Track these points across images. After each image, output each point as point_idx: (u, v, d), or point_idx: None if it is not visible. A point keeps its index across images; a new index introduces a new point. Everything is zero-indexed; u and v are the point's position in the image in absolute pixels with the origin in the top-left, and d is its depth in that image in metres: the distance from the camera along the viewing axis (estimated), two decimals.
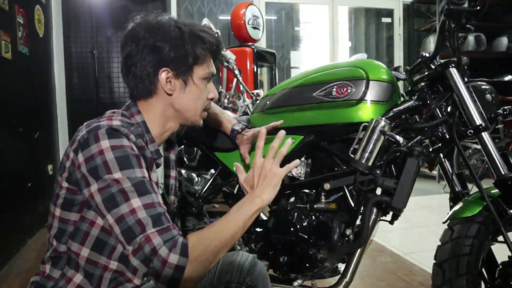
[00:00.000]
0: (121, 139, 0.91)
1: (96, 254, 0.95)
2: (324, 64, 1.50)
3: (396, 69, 1.49)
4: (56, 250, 0.97)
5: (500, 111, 1.30)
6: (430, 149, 1.34)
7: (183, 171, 1.81)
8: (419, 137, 1.32)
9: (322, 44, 5.39)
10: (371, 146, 1.23)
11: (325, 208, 1.39)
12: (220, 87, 3.64)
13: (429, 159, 1.35)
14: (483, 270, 1.28)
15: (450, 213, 1.29)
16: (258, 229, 1.50)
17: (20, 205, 2.72)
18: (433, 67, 1.34)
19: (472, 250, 1.21)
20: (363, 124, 1.26)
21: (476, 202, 1.25)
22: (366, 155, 1.24)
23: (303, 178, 1.47)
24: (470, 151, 3.94)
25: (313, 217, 1.40)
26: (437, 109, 1.33)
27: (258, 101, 1.63)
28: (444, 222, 1.31)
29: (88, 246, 0.94)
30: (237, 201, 1.59)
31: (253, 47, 4.28)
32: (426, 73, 1.37)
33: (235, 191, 1.64)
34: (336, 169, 1.41)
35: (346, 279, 1.33)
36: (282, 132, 1.10)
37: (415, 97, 1.40)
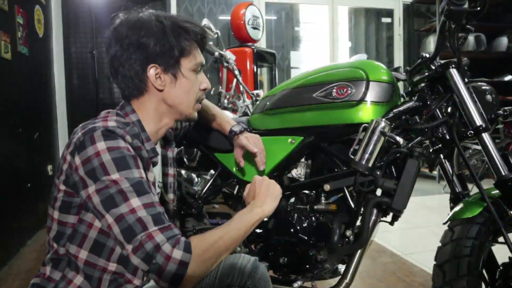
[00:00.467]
0: (117, 140, 0.91)
1: (94, 256, 0.95)
2: (324, 64, 1.50)
3: (396, 69, 1.49)
4: (56, 253, 0.97)
5: (501, 111, 1.30)
6: (430, 150, 1.33)
7: (183, 172, 1.81)
8: (419, 138, 1.32)
9: (322, 44, 5.39)
10: (371, 147, 1.23)
11: (325, 209, 1.39)
12: (220, 87, 3.63)
13: (429, 160, 1.35)
14: (484, 271, 1.27)
15: (451, 214, 1.29)
16: (258, 230, 1.50)
17: (20, 206, 2.71)
18: (433, 67, 1.34)
19: (473, 251, 1.21)
20: (363, 125, 1.26)
21: (476, 203, 1.25)
22: (366, 156, 1.24)
23: (303, 179, 1.47)
24: (470, 151, 3.93)
25: (313, 218, 1.40)
26: (437, 110, 1.33)
27: (258, 102, 1.63)
28: (444, 223, 1.31)
29: (86, 248, 0.94)
30: (237, 201, 1.61)
31: (253, 47, 4.27)
32: (426, 73, 1.37)
33: (234, 192, 1.64)
34: (336, 170, 1.40)
35: (346, 280, 1.32)
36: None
37: (415, 97, 1.40)
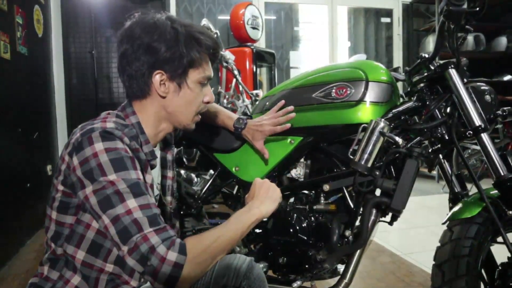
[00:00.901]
0: (115, 141, 0.91)
1: (91, 257, 0.95)
2: (324, 64, 1.50)
3: (396, 70, 1.49)
4: (54, 253, 0.97)
5: (499, 112, 1.31)
6: (430, 150, 1.34)
7: (182, 172, 1.81)
8: (418, 138, 1.32)
9: (321, 44, 5.39)
10: (370, 147, 1.23)
11: (325, 209, 1.39)
12: (219, 87, 3.64)
13: (428, 160, 1.35)
14: (483, 271, 1.28)
15: (450, 214, 1.30)
16: (257, 230, 1.50)
17: (19, 206, 2.71)
18: (432, 68, 1.34)
19: (472, 251, 1.21)
20: (363, 125, 1.26)
21: (475, 203, 1.26)
22: (366, 156, 1.24)
23: (302, 179, 1.47)
24: (470, 151, 3.94)
25: (313, 218, 1.40)
26: (437, 110, 1.33)
27: (257, 102, 1.63)
28: (443, 223, 1.31)
29: (83, 249, 0.94)
30: (236, 201, 1.61)
31: (252, 47, 4.28)
32: (426, 74, 1.37)
33: (234, 192, 1.64)
34: (335, 170, 1.41)
35: (346, 280, 1.33)
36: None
37: (415, 98, 1.40)
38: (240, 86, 3.30)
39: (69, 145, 0.92)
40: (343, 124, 1.34)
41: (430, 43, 4.94)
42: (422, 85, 1.39)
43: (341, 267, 1.43)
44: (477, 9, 1.19)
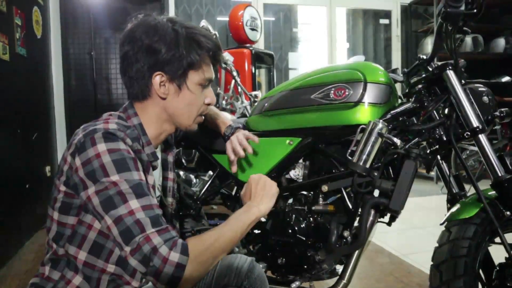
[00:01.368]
0: (118, 142, 0.91)
1: (93, 257, 0.95)
2: (322, 66, 1.51)
3: (394, 71, 1.50)
4: (56, 253, 0.97)
5: (497, 113, 1.31)
6: (428, 151, 1.34)
7: (181, 173, 1.81)
8: (416, 139, 1.33)
9: (320, 45, 5.40)
10: (368, 148, 1.24)
11: (323, 210, 1.39)
12: (218, 88, 3.64)
13: (426, 161, 1.35)
14: (480, 271, 1.28)
15: (448, 214, 1.30)
16: (256, 231, 1.50)
17: (18, 207, 2.71)
18: (430, 69, 1.35)
19: (470, 251, 1.21)
20: (361, 126, 1.27)
21: (473, 203, 1.26)
22: (364, 157, 1.24)
23: (301, 180, 1.48)
24: (468, 152, 3.95)
25: (311, 219, 1.41)
26: (435, 111, 1.34)
27: (256, 103, 1.63)
28: (441, 224, 1.32)
29: (85, 249, 0.95)
30: (235, 202, 1.62)
31: (251, 48, 4.28)
32: (424, 75, 1.38)
33: (233, 193, 1.65)
34: (334, 171, 1.41)
35: (344, 281, 1.33)
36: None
37: (413, 99, 1.41)
38: (239, 87, 3.31)
39: (72, 145, 0.93)
40: (342, 125, 1.34)
41: (429, 44, 4.95)
42: (420, 86, 1.39)
43: (339, 268, 1.44)
44: (475, 10, 1.19)
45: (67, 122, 4.21)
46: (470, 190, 1.39)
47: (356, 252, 1.32)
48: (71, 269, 0.96)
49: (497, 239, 1.25)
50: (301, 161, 1.49)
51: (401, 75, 1.48)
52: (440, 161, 1.43)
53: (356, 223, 1.34)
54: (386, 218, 1.36)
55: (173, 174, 1.24)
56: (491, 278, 1.30)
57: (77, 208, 0.94)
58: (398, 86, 1.48)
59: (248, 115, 2.50)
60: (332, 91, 1.35)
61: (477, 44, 4.85)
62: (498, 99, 1.37)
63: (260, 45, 4.84)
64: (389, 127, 1.29)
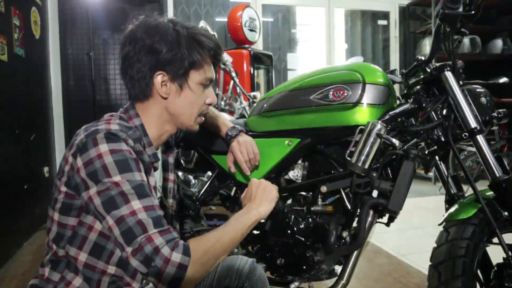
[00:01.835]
0: (120, 143, 0.91)
1: (94, 259, 0.95)
2: (321, 67, 1.51)
3: (392, 72, 1.50)
4: (56, 254, 0.97)
5: (495, 114, 1.32)
6: (426, 152, 1.34)
7: (180, 174, 1.82)
8: (415, 140, 1.33)
9: (318, 46, 5.41)
10: (367, 149, 1.24)
11: (322, 211, 1.40)
12: (217, 89, 3.64)
13: (424, 162, 1.36)
14: (478, 271, 1.29)
15: (446, 215, 1.30)
16: (255, 232, 1.50)
17: (16, 208, 2.71)
18: (428, 70, 1.35)
19: (468, 252, 1.22)
20: (360, 127, 1.27)
21: (471, 204, 1.27)
22: (363, 158, 1.25)
23: (300, 181, 1.48)
24: (465, 153, 3.96)
25: (310, 219, 1.41)
26: (433, 112, 1.34)
27: (255, 104, 1.64)
28: (439, 224, 1.32)
29: (86, 251, 0.94)
30: (234, 203, 1.62)
31: (249, 49, 4.28)
32: (422, 76, 1.38)
33: (232, 194, 1.65)
34: (332, 172, 1.41)
35: (343, 281, 1.33)
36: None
37: (411, 100, 1.41)
38: (238, 88, 3.31)
39: (73, 146, 0.92)
40: (340, 126, 1.35)
41: (427, 45, 4.97)
42: (418, 87, 1.40)
43: (338, 268, 1.44)
44: (473, 12, 1.20)
45: (66, 122, 4.20)
46: (468, 190, 1.39)
47: (355, 252, 1.32)
48: (71, 271, 0.95)
49: (495, 240, 1.25)
50: (300, 161, 1.49)
51: (400, 76, 1.49)
52: (438, 162, 1.44)
53: (355, 224, 1.34)
54: (385, 219, 1.37)
55: (174, 175, 1.24)
56: (489, 279, 1.31)
57: (77, 209, 0.94)
58: (396, 87, 1.49)
59: (247, 115, 2.50)
60: (331, 92, 1.35)
61: (475, 45, 4.87)
62: (495, 100, 1.37)
63: (258, 46, 4.84)
64: (388, 128, 1.29)
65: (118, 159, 0.89)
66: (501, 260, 1.27)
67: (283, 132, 1.45)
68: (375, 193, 1.28)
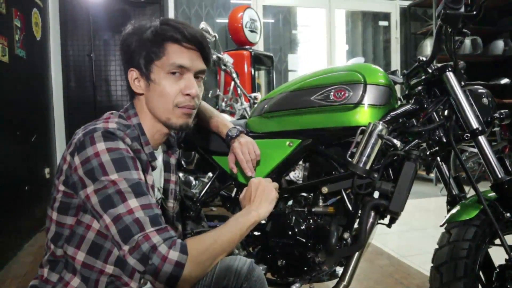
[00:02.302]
0: (117, 141, 0.92)
1: (92, 258, 0.95)
2: (322, 68, 1.51)
3: (393, 72, 1.50)
4: (54, 254, 0.97)
5: (497, 114, 1.31)
6: (427, 153, 1.34)
7: (180, 175, 1.82)
8: (416, 140, 1.33)
9: (319, 47, 5.41)
10: (368, 149, 1.24)
11: (323, 212, 1.39)
12: (218, 90, 3.64)
13: (426, 163, 1.35)
14: (480, 273, 1.28)
15: (448, 216, 1.30)
16: (256, 233, 1.50)
17: (17, 209, 2.71)
18: (430, 71, 1.35)
19: (470, 253, 1.21)
20: (361, 128, 1.27)
21: (473, 205, 1.26)
22: (364, 158, 1.24)
23: (301, 182, 1.47)
24: (467, 154, 3.95)
25: (311, 220, 1.40)
26: (434, 113, 1.34)
27: (256, 105, 1.63)
28: (441, 226, 1.32)
29: (84, 250, 0.95)
30: (235, 204, 1.62)
31: (250, 50, 4.29)
32: (423, 77, 1.38)
33: (232, 195, 1.64)
34: (334, 172, 1.41)
35: (344, 283, 1.33)
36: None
37: (412, 101, 1.41)
38: (239, 89, 3.31)
39: (71, 145, 0.93)
40: (342, 127, 1.34)
41: (428, 46, 4.96)
42: (420, 88, 1.39)
43: (339, 270, 1.44)
44: (474, 12, 1.19)
45: (66, 124, 4.21)
46: (469, 191, 1.39)
47: (356, 254, 1.32)
48: (69, 271, 0.95)
49: (497, 241, 1.25)
50: (301, 162, 1.49)
51: (401, 76, 1.48)
52: (440, 163, 1.43)
53: (356, 225, 1.34)
54: (386, 220, 1.36)
55: (175, 176, 1.23)
56: (491, 280, 1.30)
57: (75, 208, 0.94)
58: (397, 87, 1.48)
59: (247, 116, 2.50)
60: (332, 93, 1.35)
61: (476, 46, 4.86)
62: (497, 101, 1.37)
63: (259, 47, 4.84)
64: (389, 129, 1.29)
65: (115, 158, 0.89)
66: (503, 262, 1.26)
67: (284, 133, 1.45)
68: (376, 194, 1.27)
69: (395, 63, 5.49)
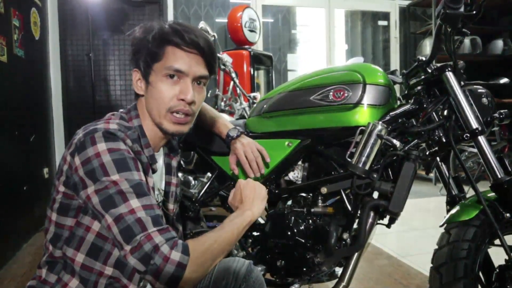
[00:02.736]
0: (118, 142, 0.91)
1: (91, 259, 0.94)
2: (321, 67, 1.50)
3: (393, 72, 1.50)
4: (52, 255, 0.96)
5: (496, 114, 1.31)
6: (427, 153, 1.34)
7: (179, 175, 1.81)
8: (415, 140, 1.32)
9: (318, 47, 5.41)
10: (368, 150, 1.24)
11: (322, 212, 1.39)
12: (217, 90, 3.64)
13: (425, 163, 1.35)
14: (480, 273, 1.28)
15: (447, 216, 1.30)
16: (255, 233, 1.50)
17: (16, 209, 2.70)
18: (429, 71, 1.35)
19: (469, 253, 1.21)
20: (360, 128, 1.27)
21: (472, 205, 1.26)
22: (363, 159, 1.24)
23: (300, 182, 1.47)
24: (467, 154, 3.95)
25: (310, 221, 1.40)
26: (434, 113, 1.33)
27: (255, 105, 1.63)
28: (441, 226, 1.31)
29: (83, 251, 0.94)
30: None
31: (249, 50, 4.28)
32: (423, 77, 1.38)
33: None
34: (333, 173, 1.41)
35: (344, 283, 1.32)
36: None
37: (412, 100, 1.41)
38: (238, 89, 3.30)
39: (72, 145, 0.92)
40: (341, 127, 1.34)
41: (427, 46, 4.96)
42: (419, 88, 1.39)
43: (339, 270, 1.43)
44: (474, 12, 1.19)
45: (65, 123, 4.20)
46: (469, 191, 1.39)
47: (356, 254, 1.31)
48: (68, 272, 0.95)
49: (497, 241, 1.24)
50: (300, 163, 1.48)
51: (400, 76, 1.48)
52: (439, 163, 1.43)
53: (355, 225, 1.33)
54: (386, 220, 1.36)
55: (177, 179, 1.22)
56: (491, 280, 1.30)
57: (75, 209, 0.94)
58: (396, 87, 1.48)
59: (246, 116, 2.50)
60: (331, 93, 1.35)
61: (476, 46, 4.86)
62: (496, 101, 1.37)
63: (258, 47, 4.84)
64: (388, 129, 1.29)
65: (116, 158, 0.88)
66: (503, 262, 1.26)
67: (283, 133, 1.44)
68: (375, 194, 1.27)
69: (395, 62, 5.49)
